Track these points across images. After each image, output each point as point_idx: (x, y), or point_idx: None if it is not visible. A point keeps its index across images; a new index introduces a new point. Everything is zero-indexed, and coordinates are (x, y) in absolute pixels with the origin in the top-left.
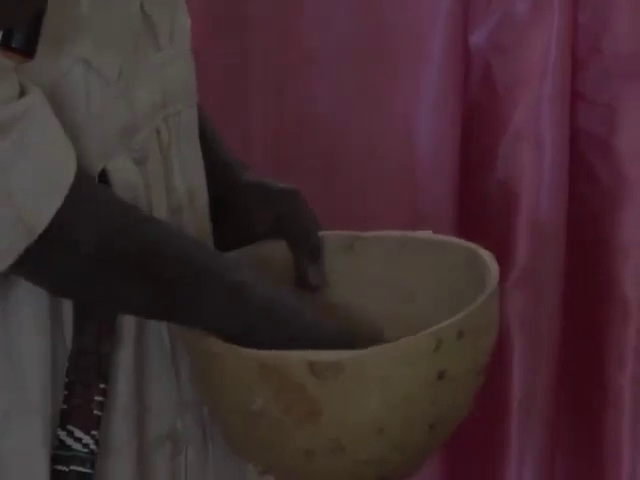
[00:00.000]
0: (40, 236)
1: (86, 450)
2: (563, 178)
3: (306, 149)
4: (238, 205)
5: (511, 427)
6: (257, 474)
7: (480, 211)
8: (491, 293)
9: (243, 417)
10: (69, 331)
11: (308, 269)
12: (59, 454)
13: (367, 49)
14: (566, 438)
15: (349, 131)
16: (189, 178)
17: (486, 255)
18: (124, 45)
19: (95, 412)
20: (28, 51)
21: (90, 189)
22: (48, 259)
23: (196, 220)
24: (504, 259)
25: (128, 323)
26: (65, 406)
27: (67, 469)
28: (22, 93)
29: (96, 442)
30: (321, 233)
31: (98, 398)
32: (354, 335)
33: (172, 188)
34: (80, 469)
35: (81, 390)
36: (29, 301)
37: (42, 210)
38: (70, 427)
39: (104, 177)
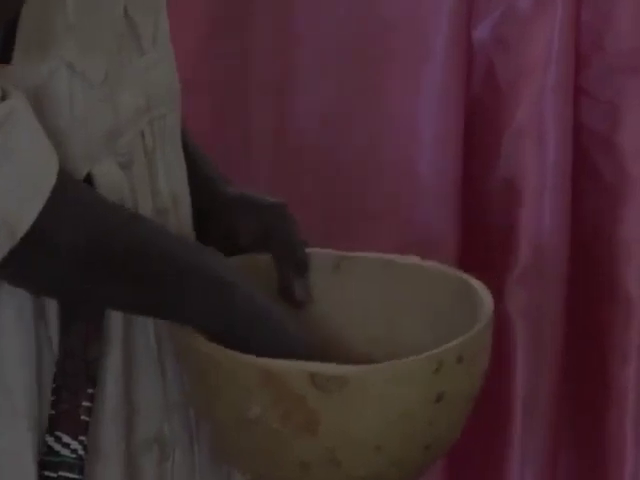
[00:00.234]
0: (22, 239)
1: (74, 456)
2: (566, 175)
3: (306, 149)
4: (222, 217)
5: (514, 426)
6: None
7: (483, 207)
8: (489, 321)
9: (237, 424)
10: (55, 332)
11: (294, 284)
12: (47, 460)
13: (369, 45)
14: (569, 437)
15: (350, 128)
16: (173, 182)
17: (477, 284)
18: (108, 48)
19: (83, 417)
20: (3, 57)
21: (74, 191)
22: (32, 261)
23: (179, 225)
24: (506, 256)
25: (115, 325)
26: (53, 412)
27: (56, 475)
28: (4, 97)
29: (84, 448)
30: (308, 250)
31: (86, 404)
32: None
33: (157, 192)
34: (68, 475)
35: (69, 396)
36: (12, 303)
37: (24, 213)
38: (58, 433)
39: (89, 181)
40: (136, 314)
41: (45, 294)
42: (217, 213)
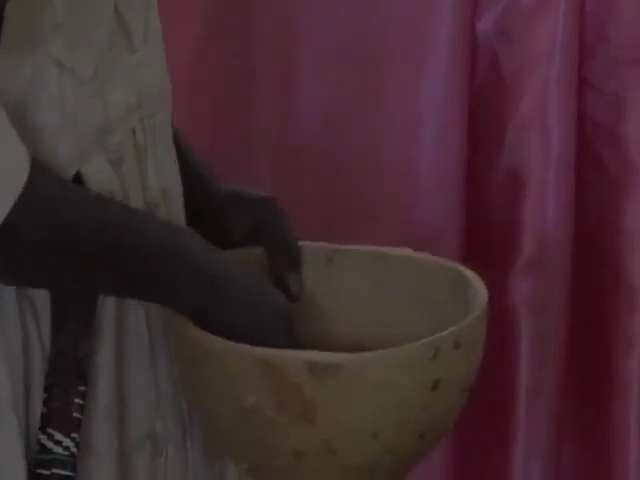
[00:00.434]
0: None
1: (67, 453)
2: (570, 166)
3: (307, 149)
4: (215, 213)
5: (518, 418)
6: (240, 473)
7: (486, 199)
8: (484, 309)
9: (232, 413)
10: (47, 330)
11: (289, 278)
12: (40, 458)
13: (369, 45)
14: (573, 429)
15: (350, 128)
16: (163, 178)
17: (471, 275)
18: (98, 45)
19: (75, 415)
20: None
21: (48, 188)
22: (6, 257)
23: (170, 218)
24: (511, 247)
25: (107, 322)
26: (45, 409)
27: (49, 472)
28: None
29: (77, 445)
30: (300, 243)
31: (78, 401)
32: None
33: (146, 187)
34: (61, 472)
35: (60, 393)
36: None
37: None
38: (50, 430)
39: (79, 180)
40: (113, 296)
41: (26, 287)
42: (211, 212)
